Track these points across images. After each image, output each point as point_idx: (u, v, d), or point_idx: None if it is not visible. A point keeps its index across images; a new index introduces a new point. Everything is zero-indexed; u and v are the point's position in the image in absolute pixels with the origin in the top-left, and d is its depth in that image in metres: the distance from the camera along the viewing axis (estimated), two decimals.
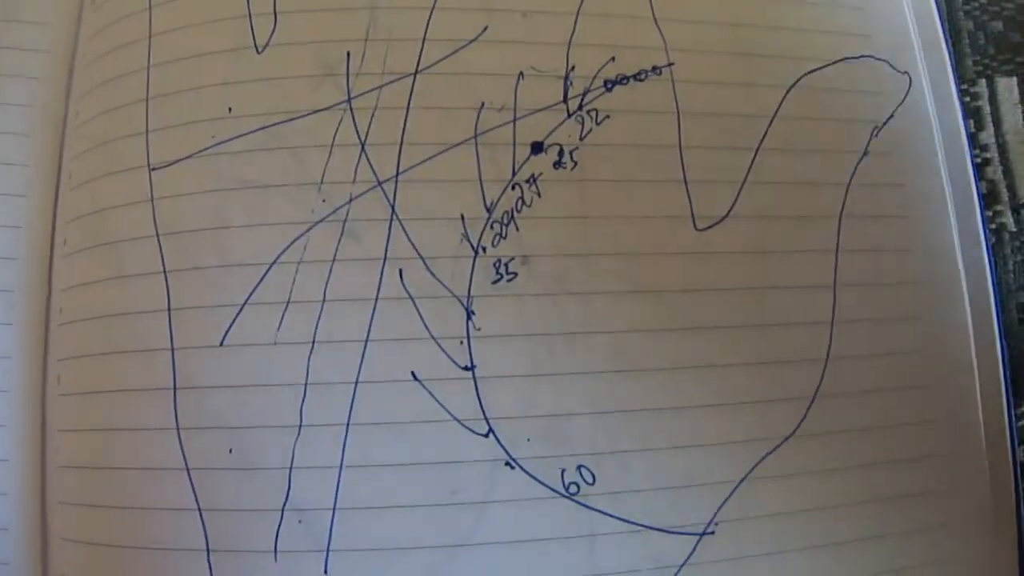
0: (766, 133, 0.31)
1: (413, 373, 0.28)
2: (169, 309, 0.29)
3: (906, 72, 0.33)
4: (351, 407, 0.28)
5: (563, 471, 0.28)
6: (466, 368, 0.28)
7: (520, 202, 0.29)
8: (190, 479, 0.28)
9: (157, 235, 0.29)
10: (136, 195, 0.30)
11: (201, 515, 0.28)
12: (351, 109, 0.29)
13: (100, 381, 0.30)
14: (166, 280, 0.29)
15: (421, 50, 0.30)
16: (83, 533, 0.29)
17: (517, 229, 0.29)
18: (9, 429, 0.31)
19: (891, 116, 0.32)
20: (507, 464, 0.28)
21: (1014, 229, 0.33)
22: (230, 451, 0.28)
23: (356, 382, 0.28)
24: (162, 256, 0.29)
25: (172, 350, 0.28)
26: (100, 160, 0.31)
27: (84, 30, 0.33)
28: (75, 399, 0.30)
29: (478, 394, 0.28)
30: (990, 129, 0.34)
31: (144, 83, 0.30)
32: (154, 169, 0.30)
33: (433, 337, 0.28)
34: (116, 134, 0.31)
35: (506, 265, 0.29)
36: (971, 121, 0.34)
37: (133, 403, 0.29)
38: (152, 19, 0.31)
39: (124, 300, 0.29)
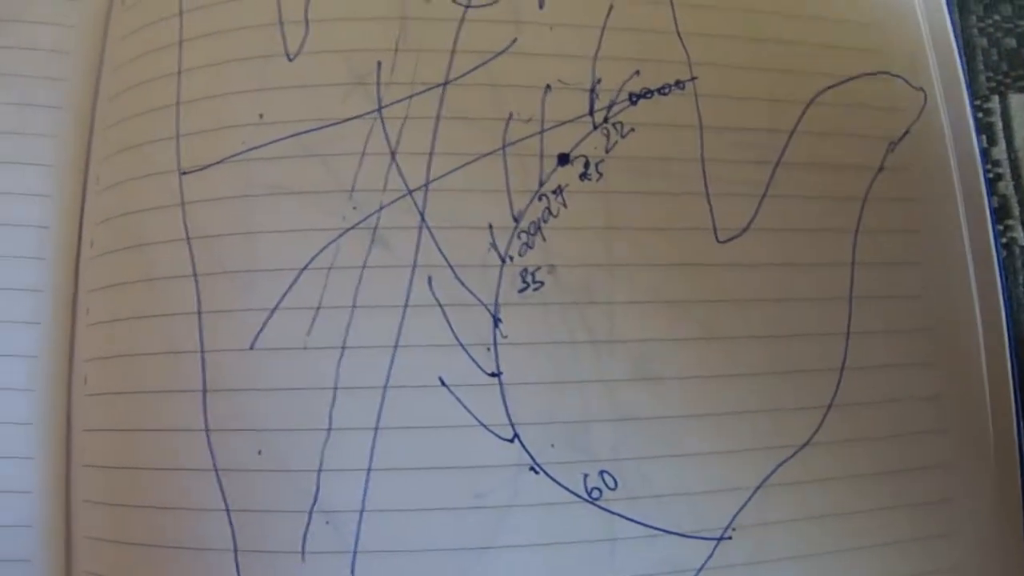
0: (786, 147, 0.31)
1: (441, 379, 0.28)
2: (199, 312, 0.29)
3: (921, 88, 0.33)
4: (380, 411, 0.28)
5: (586, 476, 0.29)
6: (493, 374, 0.29)
7: (547, 212, 0.30)
8: (218, 480, 0.28)
9: (187, 239, 0.30)
10: (166, 199, 0.30)
11: (229, 515, 0.28)
12: (381, 118, 0.30)
13: (128, 382, 0.30)
14: (196, 283, 0.29)
15: (451, 61, 0.30)
16: (108, 531, 0.30)
17: (544, 239, 0.29)
18: (35, 428, 0.31)
19: (907, 132, 0.33)
20: (531, 469, 0.28)
21: None
22: (259, 453, 0.28)
23: (385, 387, 0.28)
24: (192, 260, 0.29)
25: (202, 352, 0.29)
26: (130, 163, 0.31)
27: (113, 33, 0.33)
28: (102, 399, 0.30)
29: (504, 400, 0.29)
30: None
31: (175, 88, 0.31)
32: (185, 173, 0.30)
33: (461, 344, 0.29)
34: (146, 138, 0.31)
35: (533, 274, 0.29)
36: (984, 137, 0.35)
37: (161, 404, 0.29)
38: (183, 24, 0.31)
39: (153, 302, 0.30)
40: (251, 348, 0.29)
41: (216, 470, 0.28)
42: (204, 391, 0.29)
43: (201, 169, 0.30)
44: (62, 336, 0.32)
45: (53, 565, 0.31)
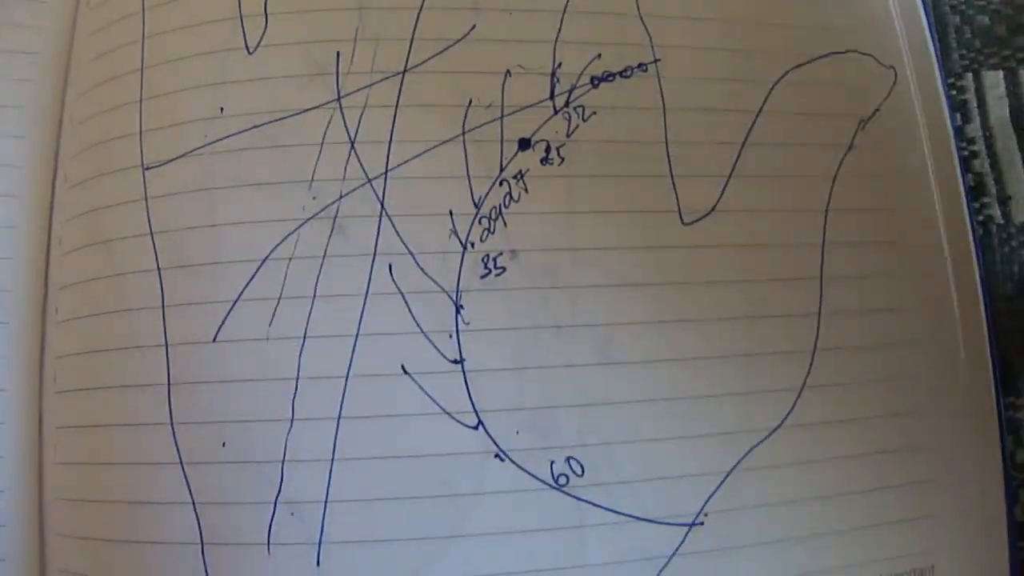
0: (752, 128, 0.31)
1: (403, 367, 0.28)
2: (163, 306, 0.29)
3: (892, 66, 0.33)
4: (342, 400, 0.28)
5: (552, 463, 0.28)
6: (455, 361, 0.28)
7: (508, 198, 0.29)
8: (184, 473, 0.28)
9: (151, 233, 0.30)
10: (130, 194, 0.30)
11: (195, 508, 0.28)
12: (340, 108, 0.30)
13: (96, 378, 0.30)
14: (160, 278, 0.29)
15: (410, 49, 0.30)
16: (80, 529, 0.30)
17: (505, 224, 0.29)
18: (6, 427, 0.31)
19: (877, 110, 0.32)
20: (497, 456, 0.28)
21: (1001, 221, 0.33)
22: (223, 445, 0.28)
23: (347, 376, 0.28)
24: (156, 254, 0.29)
25: (166, 346, 0.29)
26: (95, 161, 0.31)
27: (79, 32, 0.33)
28: (72, 396, 0.31)
29: (467, 387, 0.28)
30: (976, 122, 0.34)
31: (138, 84, 0.31)
32: (148, 169, 0.30)
33: (422, 331, 0.28)
34: (111, 135, 0.31)
35: (494, 260, 0.29)
36: (957, 114, 0.34)
37: (128, 399, 0.29)
38: (146, 21, 0.31)
39: (119, 298, 0.30)
40: (214, 340, 0.29)
41: (181, 463, 0.28)
42: (169, 384, 0.29)
43: (164, 164, 0.30)
44: (32, 334, 0.32)
45: (27, 563, 0.31)
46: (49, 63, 0.33)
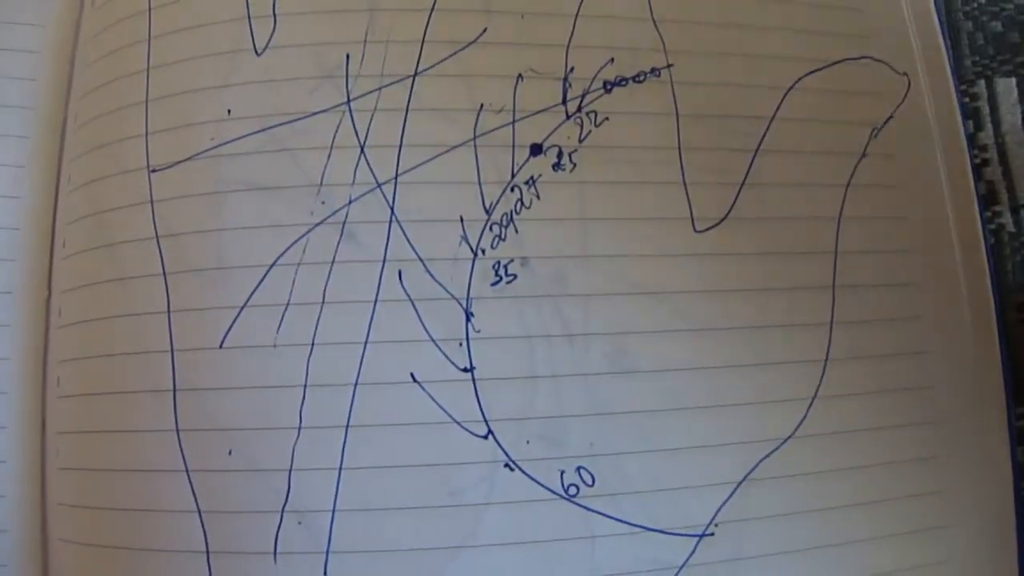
0: (765, 134, 0.31)
1: (412, 375, 0.28)
2: (169, 311, 0.29)
3: (905, 73, 0.33)
4: (350, 409, 0.28)
5: (562, 473, 0.28)
6: (465, 370, 0.28)
7: (519, 204, 0.29)
8: (190, 481, 0.28)
9: (157, 237, 0.29)
10: (135, 197, 0.30)
11: (201, 517, 0.28)
12: (350, 111, 0.29)
13: (100, 383, 0.30)
14: (165, 282, 0.29)
15: (420, 52, 0.30)
16: (82, 535, 0.29)
17: (516, 231, 0.29)
18: (8, 431, 0.31)
19: (890, 117, 0.32)
20: (506, 466, 0.28)
21: (1013, 230, 0.33)
22: (230, 453, 0.28)
23: (355, 384, 0.28)
24: (162, 258, 0.29)
25: (172, 352, 0.28)
26: (100, 162, 0.31)
27: (84, 32, 0.33)
28: (74, 401, 0.30)
29: (477, 396, 0.28)
30: (989, 130, 0.34)
31: (144, 85, 0.30)
32: (153, 171, 0.30)
33: (432, 339, 0.28)
34: (116, 136, 0.31)
35: (505, 267, 0.29)
36: (970, 122, 0.34)
37: (133, 405, 0.29)
38: (152, 21, 0.31)
39: (124, 302, 0.29)
40: (220, 347, 0.28)
41: (187, 471, 0.28)
42: (174, 391, 0.28)
43: (170, 167, 0.30)
44: (35, 338, 0.31)
45: (28, 569, 0.30)
46: (54, 62, 0.33)
